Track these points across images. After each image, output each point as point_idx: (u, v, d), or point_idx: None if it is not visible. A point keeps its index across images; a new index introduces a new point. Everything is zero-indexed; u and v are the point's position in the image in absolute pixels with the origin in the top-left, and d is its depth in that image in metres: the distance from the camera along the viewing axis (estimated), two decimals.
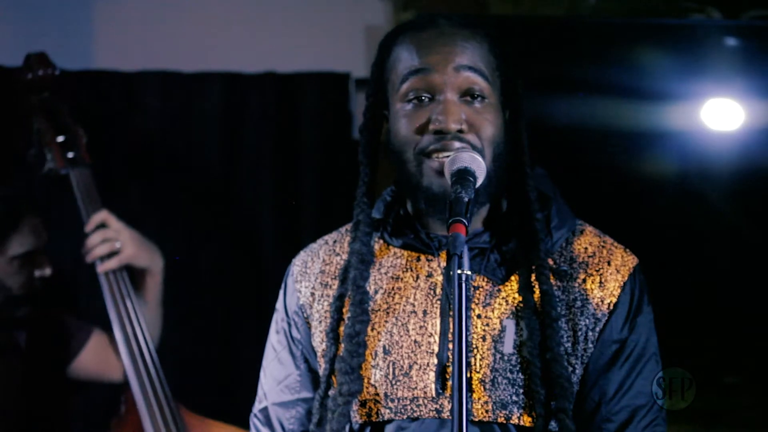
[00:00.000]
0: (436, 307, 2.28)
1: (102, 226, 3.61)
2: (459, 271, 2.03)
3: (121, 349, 3.57)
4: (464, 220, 2.08)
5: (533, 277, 2.27)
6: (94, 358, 3.72)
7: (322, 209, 4.51)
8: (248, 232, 4.53)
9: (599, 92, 4.40)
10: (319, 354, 2.37)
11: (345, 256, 2.38)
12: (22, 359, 3.66)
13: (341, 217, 2.48)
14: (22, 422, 3.64)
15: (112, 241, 3.58)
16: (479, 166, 2.19)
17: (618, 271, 2.31)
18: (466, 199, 2.12)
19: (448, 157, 2.21)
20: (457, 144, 2.23)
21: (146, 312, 3.64)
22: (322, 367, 2.34)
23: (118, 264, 3.59)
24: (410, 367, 2.26)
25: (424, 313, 2.28)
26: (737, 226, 4.51)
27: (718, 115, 4.47)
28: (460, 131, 2.24)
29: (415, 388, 2.26)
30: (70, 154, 3.68)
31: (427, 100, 2.27)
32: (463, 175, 2.17)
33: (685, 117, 4.46)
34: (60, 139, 3.69)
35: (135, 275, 3.68)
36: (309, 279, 2.41)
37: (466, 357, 2.00)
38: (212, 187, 4.52)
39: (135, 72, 4.49)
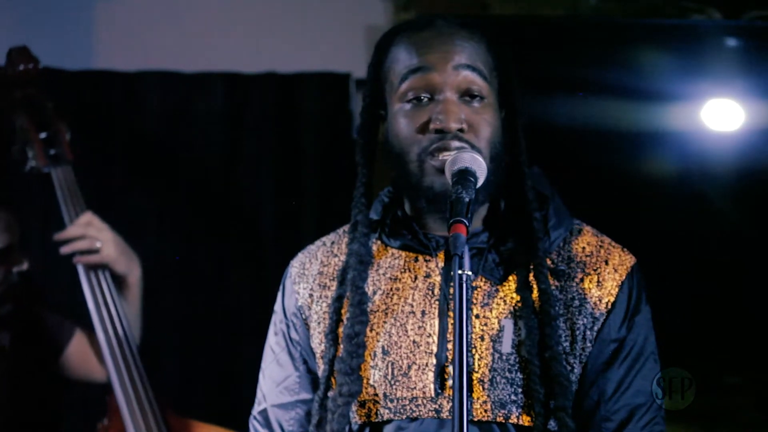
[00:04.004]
0: (435, 308, 2.28)
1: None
2: (460, 272, 2.03)
3: (103, 351, 3.52)
4: (465, 221, 2.08)
5: (531, 277, 2.27)
6: (77, 357, 3.67)
7: (322, 209, 4.51)
8: (248, 232, 4.53)
9: (599, 92, 4.40)
10: (318, 355, 2.36)
11: (343, 258, 2.38)
12: (7, 359, 3.63)
13: (341, 217, 2.48)
14: (9, 422, 3.62)
15: (93, 239, 3.52)
16: (480, 167, 2.19)
17: (616, 271, 2.31)
18: (467, 200, 2.12)
19: (449, 156, 2.21)
20: (456, 143, 2.23)
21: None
22: (321, 369, 2.34)
23: (96, 261, 3.52)
24: (409, 367, 2.26)
25: (423, 313, 2.28)
26: (737, 226, 4.51)
27: (719, 115, 4.48)
28: (461, 131, 2.24)
29: (414, 388, 2.26)
30: (52, 152, 3.61)
31: (426, 99, 2.27)
32: (464, 176, 2.17)
33: (685, 117, 4.46)
34: (42, 135, 3.61)
35: (114, 283, 3.62)
36: (307, 280, 2.40)
37: (466, 357, 2.00)
38: (212, 186, 4.52)
39: (135, 72, 4.49)
